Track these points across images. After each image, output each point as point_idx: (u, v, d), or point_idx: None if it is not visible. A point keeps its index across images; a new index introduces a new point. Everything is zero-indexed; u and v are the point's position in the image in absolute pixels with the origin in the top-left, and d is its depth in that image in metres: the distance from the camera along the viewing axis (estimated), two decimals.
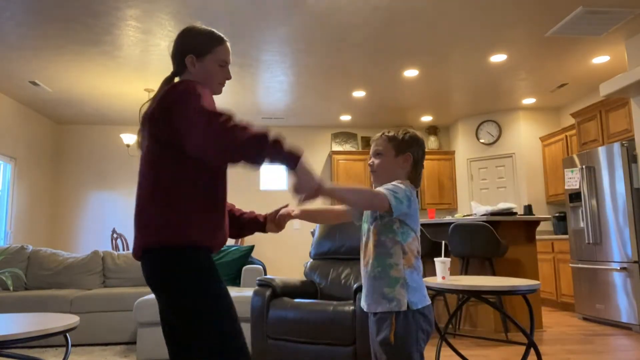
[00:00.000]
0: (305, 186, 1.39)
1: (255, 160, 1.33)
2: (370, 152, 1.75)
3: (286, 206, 1.78)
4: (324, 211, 1.85)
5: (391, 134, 1.70)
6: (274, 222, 1.79)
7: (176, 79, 1.61)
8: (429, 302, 1.60)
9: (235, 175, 7.87)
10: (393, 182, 1.62)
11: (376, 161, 1.70)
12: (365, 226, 1.69)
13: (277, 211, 1.78)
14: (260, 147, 1.31)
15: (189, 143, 1.37)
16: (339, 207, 1.81)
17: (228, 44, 1.64)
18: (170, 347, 1.56)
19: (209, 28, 1.63)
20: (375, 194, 1.53)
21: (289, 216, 1.75)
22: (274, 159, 1.34)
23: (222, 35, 1.63)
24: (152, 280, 1.48)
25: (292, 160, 1.36)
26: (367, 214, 1.70)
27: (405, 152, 1.68)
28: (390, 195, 1.53)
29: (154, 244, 1.45)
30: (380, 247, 1.59)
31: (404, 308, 1.53)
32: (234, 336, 1.45)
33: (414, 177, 1.69)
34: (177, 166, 1.46)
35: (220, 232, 1.55)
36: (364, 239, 1.69)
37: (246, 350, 1.47)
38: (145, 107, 1.59)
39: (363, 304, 1.66)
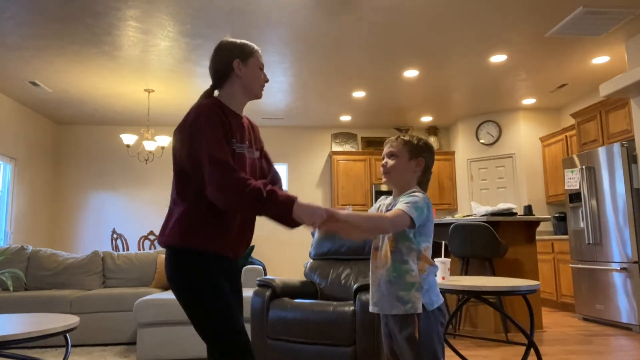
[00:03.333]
0: (311, 217, 1.47)
1: (257, 212, 1.53)
2: (384, 153, 1.79)
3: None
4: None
5: (407, 137, 1.76)
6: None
7: (216, 92, 1.74)
8: (442, 299, 1.69)
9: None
10: (410, 193, 1.68)
11: (390, 162, 1.75)
12: None
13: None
14: (259, 204, 1.48)
15: (206, 189, 1.53)
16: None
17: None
18: None
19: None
20: (397, 217, 1.57)
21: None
22: (273, 213, 1.50)
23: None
24: (168, 274, 1.64)
25: (287, 207, 1.48)
26: None
27: (419, 157, 1.74)
28: (411, 209, 1.59)
29: (171, 244, 1.62)
30: (397, 254, 1.65)
31: (419, 311, 1.61)
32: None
33: (424, 182, 1.78)
34: (189, 180, 1.62)
35: (225, 237, 1.64)
36: (376, 242, 1.74)
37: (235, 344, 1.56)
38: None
39: (373, 308, 1.72)
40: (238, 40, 1.73)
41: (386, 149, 1.79)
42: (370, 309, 1.74)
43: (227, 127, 1.60)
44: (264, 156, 1.84)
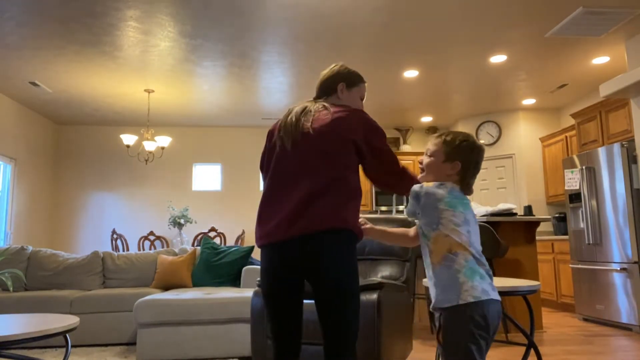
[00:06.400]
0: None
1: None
2: (425, 149, 1.76)
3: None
4: (391, 232, 1.88)
5: (449, 137, 1.69)
6: None
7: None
8: (479, 296, 1.53)
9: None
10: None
11: (425, 160, 1.73)
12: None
13: None
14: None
15: (379, 180, 1.80)
16: (402, 230, 1.88)
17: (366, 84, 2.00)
18: None
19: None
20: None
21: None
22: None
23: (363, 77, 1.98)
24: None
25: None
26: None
27: (454, 160, 1.65)
28: (409, 204, 1.71)
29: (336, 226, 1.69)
30: (424, 255, 1.69)
31: (447, 304, 1.55)
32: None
33: (463, 185, 1.68)
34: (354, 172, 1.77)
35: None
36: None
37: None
38: (306, 122, 1.75)
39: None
40: (354, 70, 1.94)
41: (428, 145, 1.74)
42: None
43: None
44: None
